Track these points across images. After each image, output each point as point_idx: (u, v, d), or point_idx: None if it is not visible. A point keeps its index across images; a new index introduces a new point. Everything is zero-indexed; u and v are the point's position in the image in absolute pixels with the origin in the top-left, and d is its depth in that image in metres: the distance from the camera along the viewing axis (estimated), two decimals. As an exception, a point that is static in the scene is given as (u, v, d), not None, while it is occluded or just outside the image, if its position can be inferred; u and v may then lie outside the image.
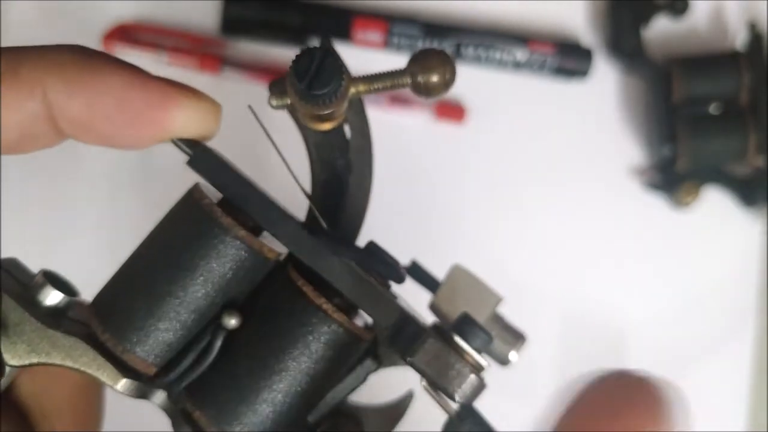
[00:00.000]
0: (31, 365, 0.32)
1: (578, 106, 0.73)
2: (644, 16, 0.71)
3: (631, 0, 0.71)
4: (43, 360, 0.32)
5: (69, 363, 0.32)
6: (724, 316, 0.72)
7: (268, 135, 0.33)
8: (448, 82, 0.31)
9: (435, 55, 0.31)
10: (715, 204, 0.72)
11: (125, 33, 0.69)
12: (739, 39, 0.73)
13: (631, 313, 0.71)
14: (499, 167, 0.72)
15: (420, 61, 0.31)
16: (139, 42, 0.69)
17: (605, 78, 0.73)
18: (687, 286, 0.72)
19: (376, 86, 0.31)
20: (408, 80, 0.31)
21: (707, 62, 0.70)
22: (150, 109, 0.32)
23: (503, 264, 0.70)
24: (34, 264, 0.36)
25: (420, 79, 0.31)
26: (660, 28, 0.73)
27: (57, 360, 0.32)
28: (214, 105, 0.33)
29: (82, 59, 0.32)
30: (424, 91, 0.31)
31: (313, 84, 0.30)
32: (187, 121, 0.32)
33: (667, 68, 0.71)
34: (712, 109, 0.71)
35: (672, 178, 0.71)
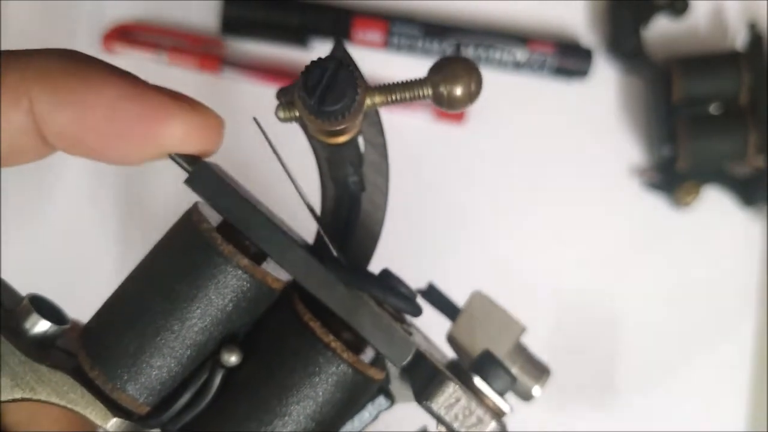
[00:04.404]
0: (14, 401, 0.28)
1: (578, 106, 0.69)
2: (644, 16, 0.68)
3: (631, 0, 0.68)
4: (27, 395, 0.28)
5: (55, 399, 0.28)
6: (724, 315, 0.69)
7: (274, 150, 0.28)
8: (473, 93, 0.26)
9: (460, 64, 0.26)
10: (715, 204, 0.69)
11: (125, 33, 0.66)
12: (739, 39, 0.70)
13: (631, 313, 0.68)
14: (498, 167, 0.69)
15: (443, 70, 0.26)
16: (139, 42, 0.66)
17: (605, 78, 0.70)
18: (687, 286, 0.69)
19: (393, 98, 0.26)
20: (429, 91, 0.26)
21: (707, 62, 0.67)
22: (143, 122, 0.27)
23: (503, 264, 0.67)
24: (16, 279, 0.31)
25: (442, 90, 0.26)
26: (660, 28, 0.70)
27: (42, 396, 0.28)
28: (215, 119, 0.28)
29: (72, 66, 0.27)
30: (447, 103, 0.26)
31: (325, 99, 0.25)
32: (183, 136, 0.28)
33: (667, 68, 0.67)
34: (712, 109, 0.67)
35: (672, 178, 0.67)
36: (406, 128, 0.67)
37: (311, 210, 0.29)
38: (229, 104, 0.66)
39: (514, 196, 0.68)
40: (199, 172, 0.28)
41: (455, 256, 0.67)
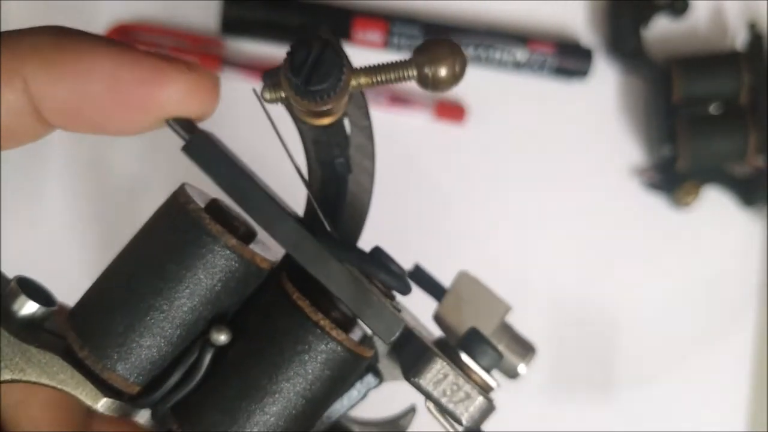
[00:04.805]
0: (3, 382, 0.28)
1: (578, 106, 0.70)
2: (644, 16, 0.68)
3: (631, 0, 0.68)
4: (17, 377, 0.28)
5: (45, 380, 0.28)
6: (724, 316, 0.69)
7: (271, 122, 0.29)
8: (457, 74, 0.26)
9: (443, 45, 0.26)
10: (715, 204, 0.69)
11: (125, 33, 0.67)
12: (739, 39, 0.70)
13: (631, 313, 0.68)
14: (498, 167, 0.69)
15: (427, 51, 0.26)
16: (139, 42, 0.66)
17: (605, 78, 0.70)
18: (687, 286, 0.69)
19: (378, 79, 0.27)
20: (414, 72, 0.27)
21: (707, 62, 0.67)
22: (142, 87, 0.27)
23: (503, 264, 0.67)
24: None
25: (427, 71, 0.26)
26: (660, 28, 0.70)
27: (32, 377, 0.28)
28: (212, 77, 0.29)
29: (63, 41, 0.28)
30: (432, 84, 0.26)
31: (311, 79, 0.25)
32: (182, 97, 0.28)
33: (667, 68, 0.67)
34: (712, 109, 0.68)
35: (672, 178, 0.67)
36: (406, 128, 0.67)
37: (303, 178, 0.29)
38: (229, 104, 0.67)
39: (514, 196, 0.68)
40: (196, 139, 0.28)
41: (455, 257, 0.66)
